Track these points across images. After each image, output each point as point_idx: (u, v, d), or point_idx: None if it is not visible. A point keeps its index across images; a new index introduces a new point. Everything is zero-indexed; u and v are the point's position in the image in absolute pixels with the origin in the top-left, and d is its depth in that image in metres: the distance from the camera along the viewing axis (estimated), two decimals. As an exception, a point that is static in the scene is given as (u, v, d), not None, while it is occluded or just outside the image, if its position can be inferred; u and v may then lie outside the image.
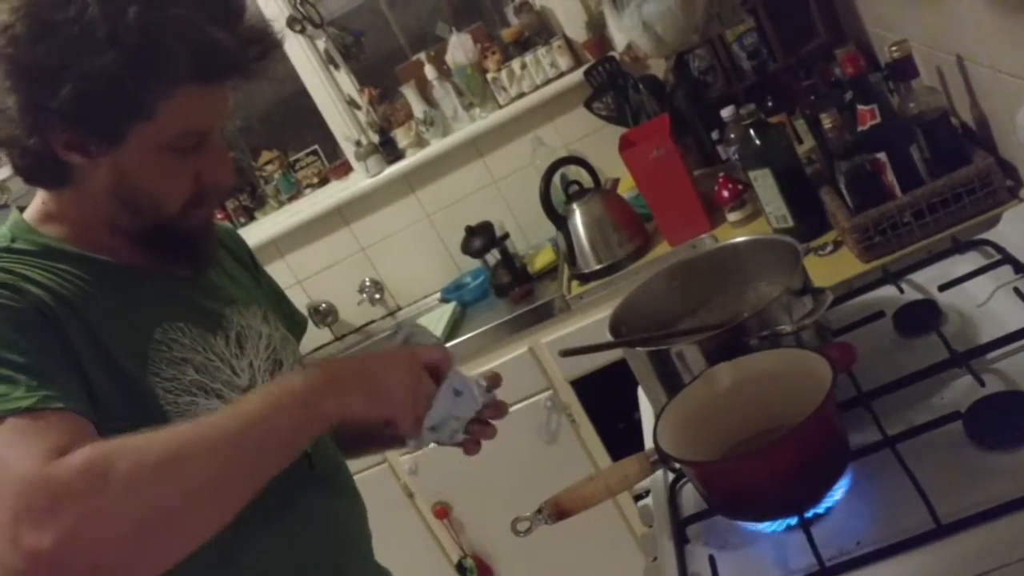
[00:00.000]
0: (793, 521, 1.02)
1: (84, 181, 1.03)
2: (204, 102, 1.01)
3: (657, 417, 1.13)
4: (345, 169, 3.14)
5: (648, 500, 1.33)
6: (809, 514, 1.02)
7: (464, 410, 1.09)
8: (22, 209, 1.10)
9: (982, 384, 1.08)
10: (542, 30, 2.87)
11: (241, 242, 1.36)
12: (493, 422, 1.14)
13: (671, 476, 1.26)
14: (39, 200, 1.09)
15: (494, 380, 1.15)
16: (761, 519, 1.05)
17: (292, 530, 1.11)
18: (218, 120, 1.06)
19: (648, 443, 1.20)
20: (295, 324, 1.36)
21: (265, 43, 1.03)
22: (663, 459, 1.08)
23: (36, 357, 0.91)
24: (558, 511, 1.10)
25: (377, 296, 3.15)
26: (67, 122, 0.96)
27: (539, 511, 1.11)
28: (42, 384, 0.89)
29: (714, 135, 2.53)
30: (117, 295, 1.05)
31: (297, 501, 1.13)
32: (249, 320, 1.18)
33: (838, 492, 1.03)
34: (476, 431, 1.13)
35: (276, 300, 1.34)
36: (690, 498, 1.20)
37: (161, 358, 1.04)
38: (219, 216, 3.25)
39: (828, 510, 1.03)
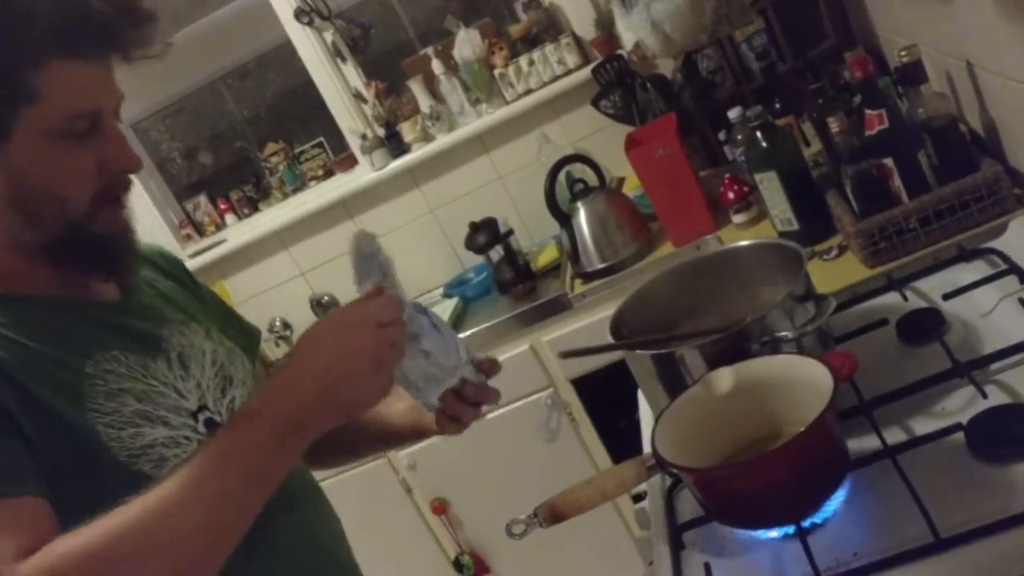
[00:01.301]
0: (790, 530, 1.01)
1: None
2: (87, 79, 0.94)
3: (655, 421, 1.12)
4: (350, 162, 3.13)
5: (645, 503, 1.32)
6: (806, 523, 1.01)
7: (437, 349, 1.01)
8: None
9: (984, 396, 1.07)
10: (550, 27, 2.86)
11: (175, 260, 1.28)
12: (483, 407, 1.09)
13: (668, 481, 1.25)
14: None
15: (491, 366, 1.10)
16: (758, 527, 1.04)
17: (269, 556, 1.05)
18: (107, 100, 0.97)
19: (647, 447, 1.19)
20: (247, 337, 1.30)
21: (138, 13, 0.96)
22: (660, 464, 1.07)
23: None
24: (553, 515, 1.10)
25: (380, 290, 3.14)
26: None
27: (534, 514, 1.10)
28: None
29: (721, 136, 2.52)
30: (40, 335, 0.96)
31: (268, 529, 1.03)
32: (191, 339, 1.11)
33: (836, 502, 1.03)
34: (457, 408, 1.08)
35: (222, 316, 1.28)
36: (687, 503, 1.19)
37: (97, 392, 0.96)
38: (222, 208, 3.24)
39: (826, 520, 1.02)
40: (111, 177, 0.99)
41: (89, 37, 0.93)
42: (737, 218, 2.23)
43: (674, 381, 1.19)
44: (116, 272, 1.06)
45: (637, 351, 1.25)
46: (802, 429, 0.96)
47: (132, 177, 1.03)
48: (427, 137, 2.99)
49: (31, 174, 0.94)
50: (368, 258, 1.00)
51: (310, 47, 2.98)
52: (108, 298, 1.07)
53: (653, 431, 1.09)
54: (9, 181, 0.93)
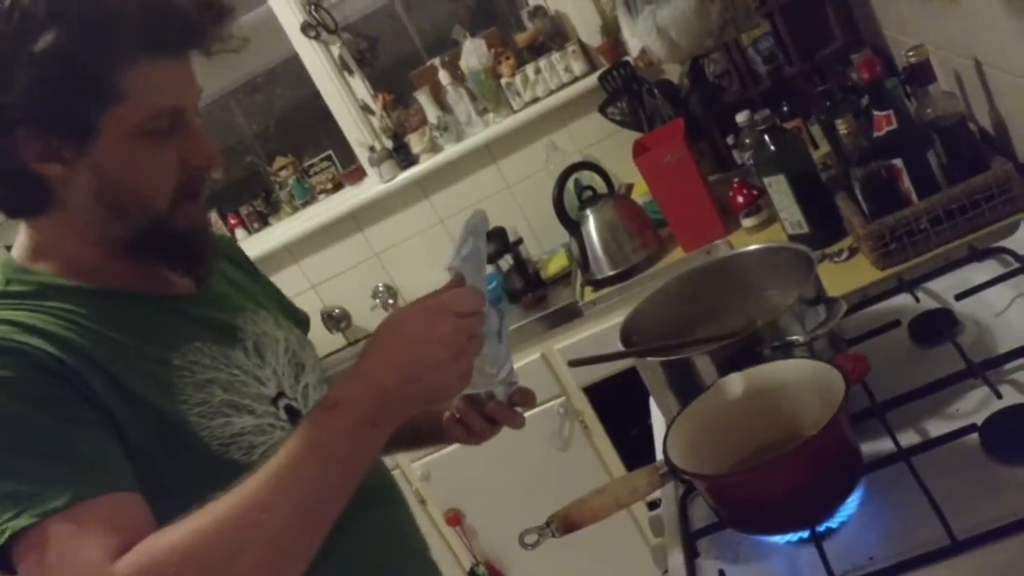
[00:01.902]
0: (805, 535, 1.00)
1: (67, 197, 0.96)
2: (169, 76, 0.95)
3: (667, 428, 1.11)
4: (359, 175, 3.14)
5: (659, 511, 1.31)
6: (821, 528, 1.00)
7: (489, 354, 1.00)
8: (8, 248, 1.04)
9: (999, 396, 1.06)
10: (556, 35, 2.87)
11: (238, 248, 1.32)
12: (518, 412, 1.11)
13: (682, 488, 1.24)
14: (24, 236, 1.02)
15: (524, 398, 1.11)
16: (772, 533, 1.04)
17: (347, 551, 1.03)
18: (189, 97, 0.99)
19: (659, 454, 1.18)
20: (300, 323, 1.32)
21: (218, 6, 0.97)
22: (673, 472, 1.06)
23: (58, 434, 0.87)
24: (566, 524, 1.09)
25: (390, 301, 3.14)
26: (33, 125, 0.90)
27: (547, 524, 1.09)
28: (72, 469, 0.85)
29: (729, 140, 2.51)
30: (127, 328, 0.98)
31: (345, 525, 1.02)
32: (262, 327, 1.13)
33: (851, 506, 1.02)
34: (470, 418, 1.11)
35: (281, 302, 1.31)
36: (701, 510, 1.18)
37: (186, 384, 0.98)
38: (231, 223, 3.25)
39: (841, 524, 1.01)
40: (191, 173, 1.00)
41: (173, 34, 0.94)
42: (747, 222, 2.23)
43: (685, 388, 1.19)
44: (197, 265, 1.07)
45: (647, 358, 1.25)
46: (815, 433, 0.95)
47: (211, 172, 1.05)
48: (435, 148, 2.99)
49: (116, 172, 0.95)
50: (474, 241, 1.00)
51: (317, 61, 2.99)
52: (184, 290, 1.09)
53: (665, 438, 1.09)
54: (96, 178, 0.94)
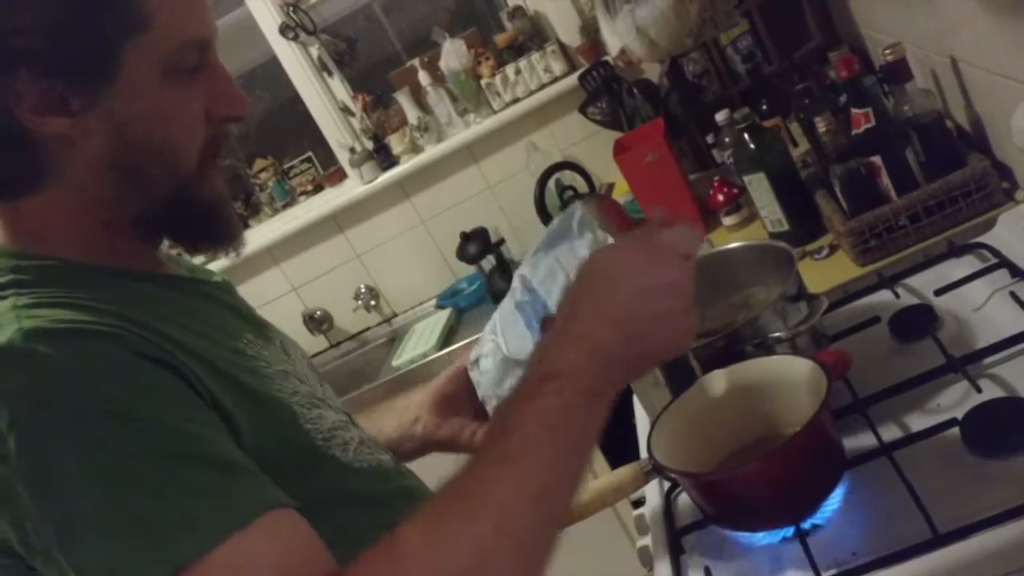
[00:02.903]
0: (789, 532, 1.01)
1: (68, 166, 0.78)
2: (191, 5, 0.80)
3: (651, 426, 1.11)
4: (339, 176, 3.13)
5: (644, 509, 1.31)
6: (805, 524, 1.00)
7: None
8: None
9: (979, 390, 1.06)
10: (536, 35, 2.87)
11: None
12: None
13: (666, 485, 1.24)
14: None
15: None
16: (757, 530, 1.04)
17: None
18: (211, 30, 0.83)
19: (644, 452, 1.19)
20: None
21: None
22: (657, 469, 1.07)
23: (194, 436, 0.70)
24: (551, 523, 1.09)
25: (372, 303, 3.14)
26: (37, 63, 0.72)
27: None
28: (227, 483, 0.69)
29: (709, 139, 2.52)
30: (188, 315, 0.82)
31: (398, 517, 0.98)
32: (278, 327, 1.03)
33: (834, 501, 1.02)
34: None
35: None
36: (686, 508, 1.19)
37: (273, 373, 0.85)
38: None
39: (825, 520, 1.02)
40: (216, 128, 0.84)
41: None
42: (727, 220, 2.23)
43: (668, 385, 1.19)
44: (226, 243, 0.90)
45: (631, 356, 1.25)
46: (798, 429, 0.96)
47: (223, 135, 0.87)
48: (416, 148, 2.98)
49: (139, 122, 0.78)
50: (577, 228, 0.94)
51: (296, 62, 2.98)
52: (183, 275, 0.93)
53: (649, 436, 1.09)
54: (111, 135, 0.77)
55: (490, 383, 1.08)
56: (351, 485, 0.85)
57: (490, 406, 1.09)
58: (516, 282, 1.06)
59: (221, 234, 0.89)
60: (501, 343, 1.06)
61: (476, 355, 1.12)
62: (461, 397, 1.15)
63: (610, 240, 0.92)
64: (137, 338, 0.72)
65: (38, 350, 0.68)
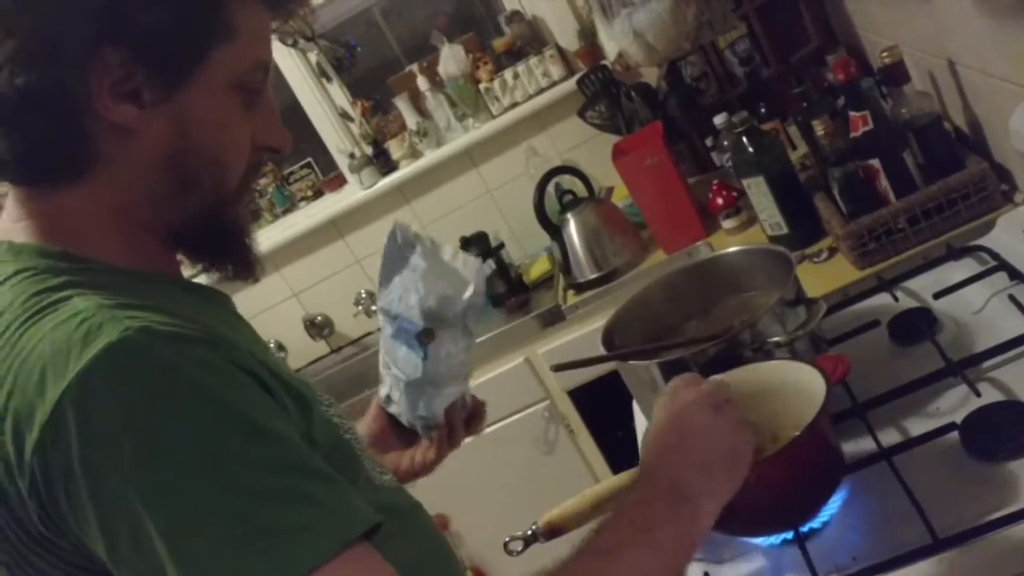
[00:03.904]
0: (789, 536, 1.01)
1: (121, 157, 0.76)
2: (267, 27, 0.82)
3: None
4: (339, 181, 3.13)
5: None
6: (805, 529, 1.00)
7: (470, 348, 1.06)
8: None
9: (978, 394, 1.06)
10: (534, 40, 2.87)
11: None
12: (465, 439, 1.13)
13: (666, 490, 1.24)
14: (18, 212, 0.79)
15: (477, 405, 1.13)
16: (756, 534, 1.04)
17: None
18: (272, 57, 0.85)
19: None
20: None
21: None
22: (656, 475, 1.06)
23: (290, 447, 0.70)
24: (551, 530, 1.09)
25: (373, 308, 3.14)
26: (126, 46, 0.72)
27: (532, 531, 1.09)
28: (342, 488, 0.71)
29: (708, 142, 2.52)
30: (231, 322, 0.84)
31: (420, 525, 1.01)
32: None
33: (834, 506, 1.02)
34: (456, 423, 1.14)
35: None
36: (685, 513, 1.19)
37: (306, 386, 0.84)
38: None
39: (824, 525, 1.02)
40: (257, 156, 0.85)
41: None
42: (727, 223, 2.23)
43: (668, 390, 1.19)
44: (246, 269, 0.90)
45: (629, 362, 1.25)
46: (797, 434, 0.96)
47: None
48: (415, 154, 2.99)
49: (202, 128, 0.78)
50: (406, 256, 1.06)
51: (295, 68, 2.98)
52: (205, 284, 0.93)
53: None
54: (175, 136, 0.77)
55: (407, 409, 1.15)
56: (380, 499, 0.84)
57: (418, 427, 1.16)
58: (380, 318, 1.16)
59: (242, 258, 0.89)
60: (397, 373, 1.14)
61: (385, 393, 1.18)
62: (387, 432, 1.20)
63: (432, 238, 1.05)
64: (226, 346, 0.71)
65: (161, 351, 0.67)
